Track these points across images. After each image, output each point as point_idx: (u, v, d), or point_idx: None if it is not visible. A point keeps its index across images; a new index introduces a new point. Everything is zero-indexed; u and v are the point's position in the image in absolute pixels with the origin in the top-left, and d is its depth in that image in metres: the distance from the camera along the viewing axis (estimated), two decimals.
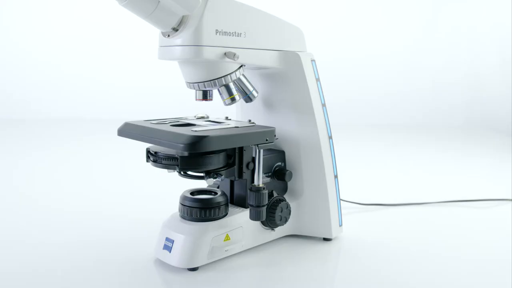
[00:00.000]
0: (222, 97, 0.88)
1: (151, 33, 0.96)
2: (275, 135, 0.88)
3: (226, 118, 0.98)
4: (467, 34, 3.34)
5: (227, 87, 0.87)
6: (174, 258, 0.86)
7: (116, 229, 1.08)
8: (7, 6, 3.18)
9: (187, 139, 0.75)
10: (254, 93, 0.93)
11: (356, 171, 1.73)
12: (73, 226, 1.10)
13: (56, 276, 0.85)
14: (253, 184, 0.88)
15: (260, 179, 0.87)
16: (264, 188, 0.87)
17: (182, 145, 0.75)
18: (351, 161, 1.89)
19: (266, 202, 0.87)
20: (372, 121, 3.13)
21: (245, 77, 0.91)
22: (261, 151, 0.86)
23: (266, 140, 0.86)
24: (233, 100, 0.88)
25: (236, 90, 0.89)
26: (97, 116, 2.95)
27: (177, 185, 1.09)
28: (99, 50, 3.18)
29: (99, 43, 3.19)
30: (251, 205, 0.87)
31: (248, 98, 0.93)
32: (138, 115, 1.44)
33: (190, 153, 0.82)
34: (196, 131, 0.79)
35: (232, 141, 0.80)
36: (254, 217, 0.87)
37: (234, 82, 0.88)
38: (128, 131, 0.87)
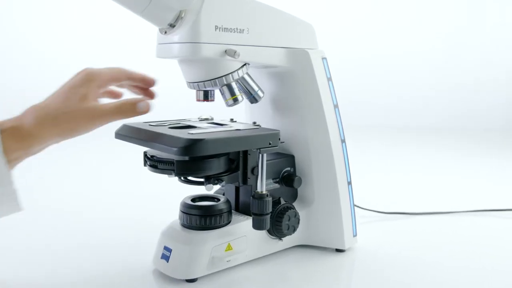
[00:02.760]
0: (223, 97, 0.88)
1: (154, 30, 0.96)
2: (279, 139, 0.87)
3: (231, 120, 0.97)
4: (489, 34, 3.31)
5: (228, 86, 0.86)
6: (172, 268, 0.85)
7: (115, 235, 1.09)
8: (7, 6, 3.27)
9: (182, 143, 0.75)
10: (260, 93, 0.91)
11: (374, 176, 1.70)
12: (70, 230, 1.12)
13: (52, 280, 0.86)
14: (256, 190, 0.87)
15: (263, 186, 0.86)
16: (267, 195, 0.86)
17: (176, 149, 0.75)
18: (369, 165, 1.87)
19: (270, 210, 0.86)
20: (388, 122, 3.10)
21: (249, 76, 0.90)
22: (264, 155, 0.85)
23: (270, 143, 0.85)
24: (235, 100, 0.87)
25: (239, 90, 0.88)
26: None
27: (183, 189, 1.09)
28: (99, 50, 3.23)
29: (99, 43, 3.24)
30: (254, 213, 0.86)
31: (253, 98, 0.91)
32: (144, 116, 1.45)
33: (188, 157, 0.81)
34: (193, 134, 0.79)
35: (230, 144, 0.80)
36: (256, 226, 0.86)
37: (237, 81, 0.88)
38: (125, 133, 0.87)
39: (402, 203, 1.36)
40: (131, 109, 0.76)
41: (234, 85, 0.86)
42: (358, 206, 1.23)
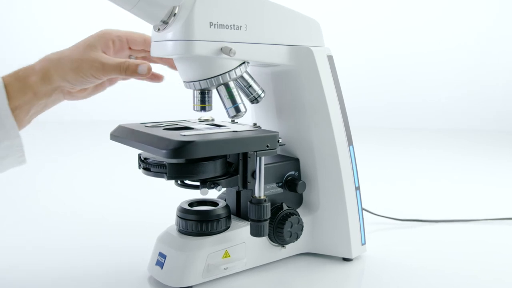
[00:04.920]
0: (198, 102, 0.86)
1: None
2: (279, 141, 0.84)
3: (232, 121, 0.95)
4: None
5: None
6: (165, 275, 0.83)
7: (112, 239, 1.07)
8: (8, 7, 3.33)
9: (171, 145, 0.73)
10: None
11: (387, 181, 1.66)
12: (64, 233, 1.11)
13: (45, 285, 0.86)
14: (253, 195, 0.84)
15: (261, 190, 0.83)
16: (265, 200, 0.83)
17: (164, 151, 0.72)
18: (381, 169, 1.83)
19: (268, 216, 0.84)
20: (401, 124, 3.03)
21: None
22: (262, 158, 0.83)
23: (267, 146, 0.82)
24: (203, 109, 0.85)
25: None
26: (105, 118, 3.01)
27: (184, 193, 1.07)
28: None
29: None
30: (252, 219, 0.83)
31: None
32: (144, 117, 1.44)
33: (181, 159, 0.79)
34: (184, 135, 0.76)
35: (224, 146, 0.77)
36: (254, 232, 0.84)
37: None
38: (119, 134, 0.85)
39: (418, 209, 1.31)
40: (133, 69, 0.79)
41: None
42: (370, 212, 1.20)
